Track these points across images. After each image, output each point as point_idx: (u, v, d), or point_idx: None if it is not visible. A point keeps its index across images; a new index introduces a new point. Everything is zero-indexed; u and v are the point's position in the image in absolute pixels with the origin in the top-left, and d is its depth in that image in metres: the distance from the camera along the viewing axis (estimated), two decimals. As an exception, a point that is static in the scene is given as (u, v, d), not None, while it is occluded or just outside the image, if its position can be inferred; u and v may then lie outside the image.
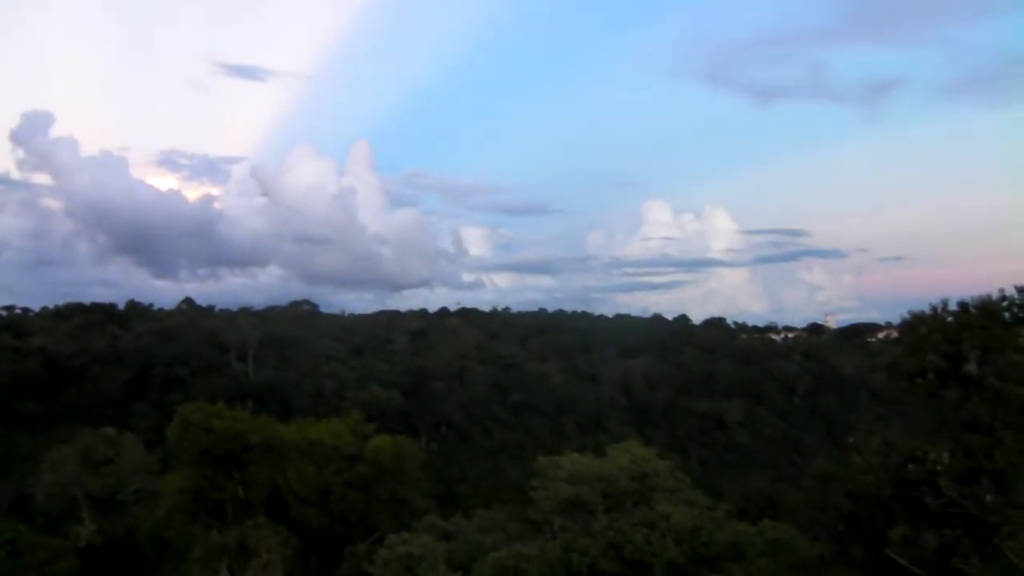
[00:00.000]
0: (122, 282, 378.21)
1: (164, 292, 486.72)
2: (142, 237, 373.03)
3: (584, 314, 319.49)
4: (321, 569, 55.93)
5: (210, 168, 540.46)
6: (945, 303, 38.42)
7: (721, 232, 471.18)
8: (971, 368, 37.65)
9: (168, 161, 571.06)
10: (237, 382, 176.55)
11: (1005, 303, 37.27)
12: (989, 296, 37.47)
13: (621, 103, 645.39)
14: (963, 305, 37.84)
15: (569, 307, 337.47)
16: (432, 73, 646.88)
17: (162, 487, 65.19)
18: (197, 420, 60.69)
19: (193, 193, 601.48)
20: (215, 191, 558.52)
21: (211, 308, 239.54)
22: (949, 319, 38.19)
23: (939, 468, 35.77)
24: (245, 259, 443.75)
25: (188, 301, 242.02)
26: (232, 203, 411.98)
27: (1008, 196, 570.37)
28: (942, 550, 36.16)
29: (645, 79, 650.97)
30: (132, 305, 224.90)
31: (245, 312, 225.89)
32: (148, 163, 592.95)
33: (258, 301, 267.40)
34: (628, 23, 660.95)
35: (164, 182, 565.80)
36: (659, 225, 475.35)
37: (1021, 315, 37.19)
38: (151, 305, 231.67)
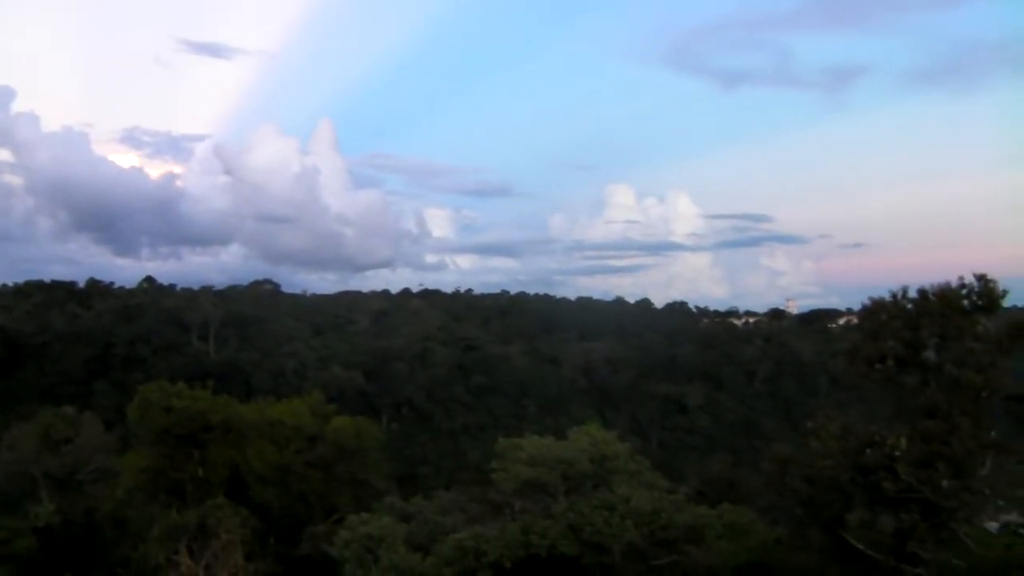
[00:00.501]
0: (83, 260, 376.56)
1: (125, 270, 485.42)
2: (103, 214, 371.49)
3: (546, 296, 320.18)
4: (281, 549, 55.79)
5: (173, 146, 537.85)
6: (905, 290, 38.67)
7: (684, 216, 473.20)
8: (930, 355, 37.92)
9: (131, 138, 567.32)
10: (198, 361, 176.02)
11: (964, 291, 37.53)
12: (948, 284, 37.74)
13: (586, 87, 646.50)
14: (923, 292, 38.09)
15: (532, 289, 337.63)
16: (397, 54, 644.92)
17: (121, 467, 64.91)
18: (157, 399, 60.33)
19: (156, 171, 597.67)
20: (178, 169, 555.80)
21: (172, 287, 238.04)
22: (909, 306, 38.44)
23: (897, 453, 36.07)
24: (207, 238, 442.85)
25: (149, 280, 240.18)
26: (195, 181, 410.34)
27: (969, 184, 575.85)
28: (899, 534, 36.53)
29: (610, 63, 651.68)
30: (93, 283, 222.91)
31: (207, 291, 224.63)
32: (110, 140, 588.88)
33: (220, 280, 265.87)
34: (594, 6, 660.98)
35: (126, 159, 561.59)
36: (622, 209, 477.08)
37: (980, 303, 37.47)
38: (112, 283, 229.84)
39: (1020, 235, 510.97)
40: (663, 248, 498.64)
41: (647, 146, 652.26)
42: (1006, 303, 39.04)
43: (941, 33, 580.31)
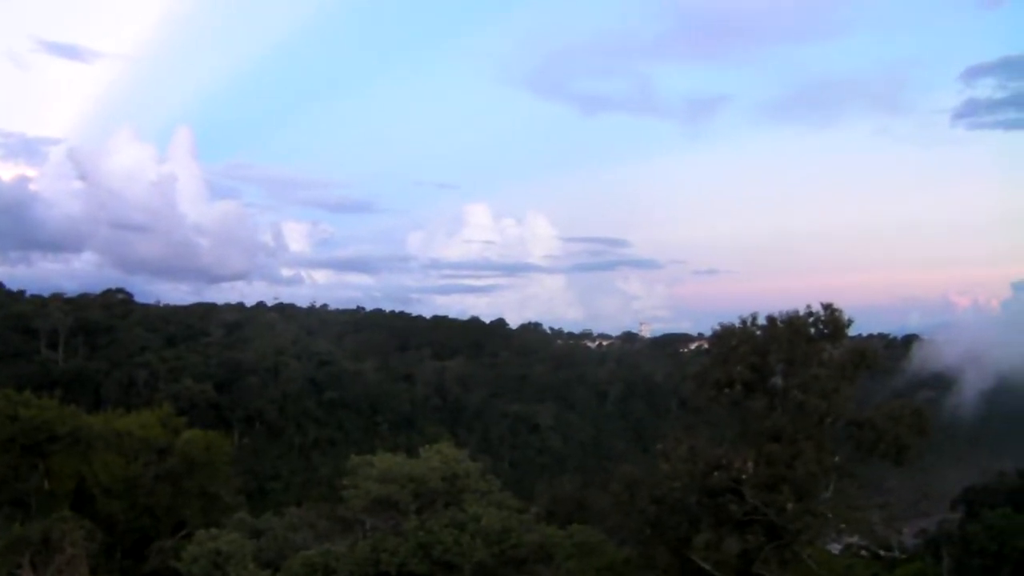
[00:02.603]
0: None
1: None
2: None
3: (401, 314, 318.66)
4: (127, 564, 54.74)
5: (27, 148, 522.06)
6: (754, 317, 39.56)
7: (541, 238, 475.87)
8: (776, 380, 38.85)
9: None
10: (46, 370, 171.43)
11: (811, 318, 38.55)
12: (796, 311, 38.71)
13: (448, 105, 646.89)
14: (771, 319, 39.01)
15: (387, 306, 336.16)
16: (260, 63, 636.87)
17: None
18: (2, 408, 58.80)
19: (8, 173, 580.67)
20: (31, 172, 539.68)
21: (21, 293, 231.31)
22: (757, 332, 39.33)
23: (743, 476, 36.85)
24: (59, 244, 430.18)
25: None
26: (48, 185, 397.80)
27: (820, 214, 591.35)
28: (744, 555, 37.30)
29: (473, 83, 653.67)
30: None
31: (57, 298, 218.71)
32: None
33: (71, 288, 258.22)
34: (461, 27, 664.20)
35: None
36: (480, 228, 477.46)
37: (825, 331, 38.52)
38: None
39: (866, 265, 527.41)
40: (520, 269, 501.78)
41: (507, 167, 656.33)
42: (851, 331, 40.24)
43: (798, 67, 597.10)
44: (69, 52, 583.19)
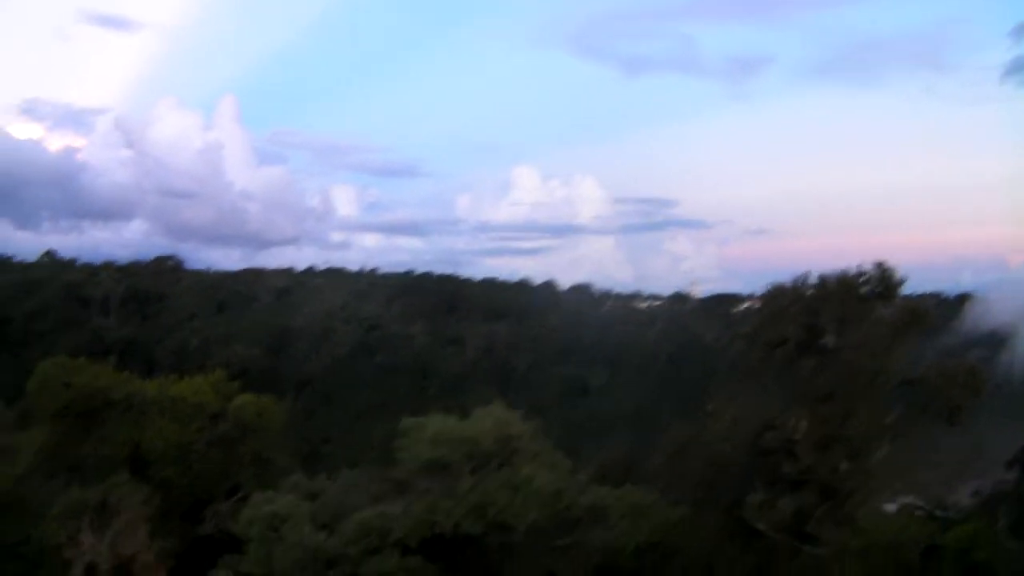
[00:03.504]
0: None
1: (25, 243, 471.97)
2: (2, 187, 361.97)
3: (451, 277, 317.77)
4: (184, 528, 55.27)
5: (74, 118, 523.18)
6: (805, 276, 39.43)
7: (589, 200, 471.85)
8: (828, 340, 38.72)
9: (31, 110, 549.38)
10: (99, 337, 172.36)
11: (862, 278, 38.38)
12: (847, 271, 38.54)
13: (492, 69, 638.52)
14: (822, 279, 38.86)
15: (436, 269, 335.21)
16: (303, 30, 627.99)
17: (19, 444, 63.82)
18: (56, 375, 59.34)
19: (56, 143, 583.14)
20: (79, 142, 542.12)
21: (73, 262, 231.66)
22: (809, 292, 39.20)
23: (796, 436, 36.83)
24: (109, 212, 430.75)
25: (50, 254, 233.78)
26: (96, 154, 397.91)
27: (868, 174, 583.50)
28: (798, 515, 37.28)
29: (515, 46, 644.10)
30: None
31: (108, 266, 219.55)
32: (10, 112, 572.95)
33: (122, 255, 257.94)
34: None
35: (27, 131, 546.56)
36: (527, 191, 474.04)
37: (877, 290, 38.34)
38: (11, 257, 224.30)
39: (917, 224, 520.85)
40: (568, 231, 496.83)
41: (553, 130, 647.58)
42: (903, 290, 40.01)
43: (842, 27, 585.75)
44: (114, 23, 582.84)
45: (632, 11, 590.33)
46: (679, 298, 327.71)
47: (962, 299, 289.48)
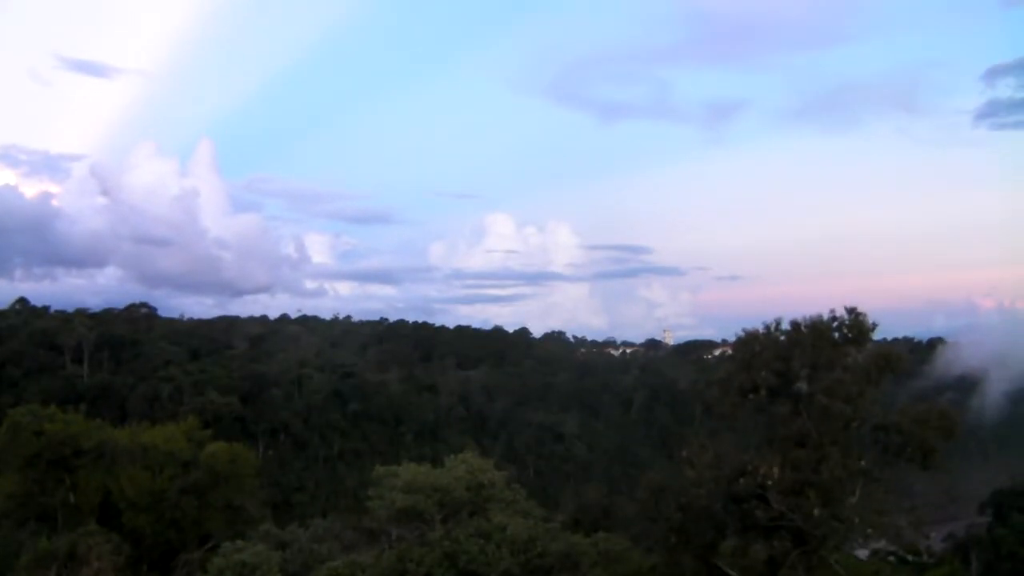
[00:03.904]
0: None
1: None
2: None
3: (424, 324, 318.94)
4: (154, 577, 54.90)
5: (50, 165, 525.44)
6: (778, 322, 39.46)
7: (563, 247, 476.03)
8: (801, 385, 38.71)
9: (7, 156, 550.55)
10: (71, 385, 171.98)
11: (835, 323, 38.44)
12: (820, 316, 38.59)
13: (468, 115, 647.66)
14: (795, 324, 38.90)
15: (410, 317, 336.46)
16: (278, 77, 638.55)
17: (-11, 493, 63.31)
18: (28, 423, 59.06)
19: (31, 189, 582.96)
20: (55, 188, 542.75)
21: (46, 308, 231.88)
22: (781, 337, 39.21)
23: (769, 482, 36.72)
24: (83, 259, 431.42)
25: (22, 301, 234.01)
26: (71, 201, 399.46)
27: (842, 219, 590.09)
28: (771, 561, 37.18)
29: (491, 92, 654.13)
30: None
31: (81, 313, 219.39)
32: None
33: (95, 303, 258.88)
34: (477, 37, 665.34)
35: (2, 177, 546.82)
36: (501, 238, 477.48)
37: (850, 335, 38.38)
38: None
39: (890, 269, 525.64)
40: (542, 278, 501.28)
41: (528, 176, 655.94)
42: (875, 335, 40.06)
43: (816, 72, 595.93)
44: (90, 69, 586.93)
45: (609, 56, 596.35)
46: (653, 344, 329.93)
47: (934, 343, 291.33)
